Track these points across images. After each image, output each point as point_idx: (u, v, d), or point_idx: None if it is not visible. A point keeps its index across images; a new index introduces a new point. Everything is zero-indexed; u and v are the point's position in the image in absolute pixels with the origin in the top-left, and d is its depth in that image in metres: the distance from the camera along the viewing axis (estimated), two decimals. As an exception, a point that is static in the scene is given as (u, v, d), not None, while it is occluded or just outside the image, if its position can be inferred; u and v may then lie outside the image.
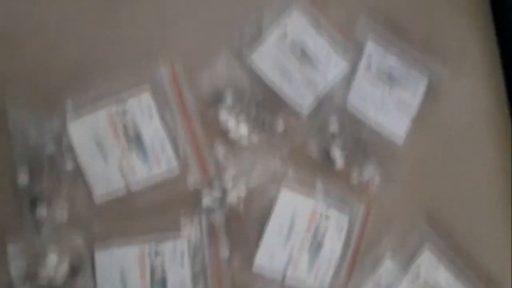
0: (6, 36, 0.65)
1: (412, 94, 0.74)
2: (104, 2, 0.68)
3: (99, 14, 0.67)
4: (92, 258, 0.60)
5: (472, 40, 0.79)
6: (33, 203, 0.59)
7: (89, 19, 0.67)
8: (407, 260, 0.70)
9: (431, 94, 0.75)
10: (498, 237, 0.75)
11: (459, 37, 0.78)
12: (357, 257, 0.68)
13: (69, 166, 0.61)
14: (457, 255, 0.72)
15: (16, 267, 0.57)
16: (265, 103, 0.68)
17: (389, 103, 0.73)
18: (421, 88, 0.74)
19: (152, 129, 0.64)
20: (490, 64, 0.79)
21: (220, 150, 0.66)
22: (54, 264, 0.58)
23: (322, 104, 0.71)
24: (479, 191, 0.76)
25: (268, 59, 0.70)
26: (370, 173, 0.70)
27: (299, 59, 0.70)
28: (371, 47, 0.74)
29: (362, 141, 0.71)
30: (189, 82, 0.66)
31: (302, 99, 0.70)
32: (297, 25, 0.71)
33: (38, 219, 0.59)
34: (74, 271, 0.58)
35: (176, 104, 0.65)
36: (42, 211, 0.59)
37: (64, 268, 0.58)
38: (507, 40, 0.79)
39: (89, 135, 0.62)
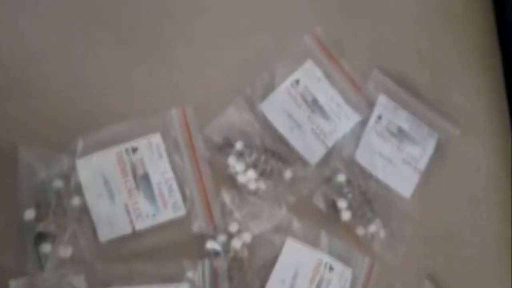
0: (20, 79, 0.66)
1: (421, 151, 0.74)
2: (118, 51, 0.69)
3: (113, 63, 0.69)
4: (94, 298, 0.59)
5: (483, 100, 0.80)
6: (38, 239, 0.59)
7: (103, 66, 0.68)
8: None
9: (440, 152, 0.75)
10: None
11: (471, 97, 0.79)
12: None
13: (75, 203, 0.61)
14: None
15: (18, 303, 0.56)
16: (275, 149, 0.68)
17: (398, 158, 0.73)
18: (431, 145, 0.75)
19: (160, 169, 0.64)
20: (500, 126, 0.80)
21: (227, 195, 0.66)
22: (56, 302, 0.57)
23: (331, 155, 0.71)
24: (483, 253, 0.76)
25: (279, 106, 0.70)
26: (376, 227, 0.70)
27: (310, 108, 0.71)
28: (382, 102, 0.74)
29: (369, 194, 0.71)
30: (200, 126, 0.67)
31: (311, 148, 0.70)
32: (310, 73, 0.72)
33: (42, 255, 0.59)
34: (75, 310, 0.58)
35: (185, 147, 0.65)
36: (46, 247, 0.59)
37: (65, 306, 0.57)
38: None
39: (97, 172, 0.62)
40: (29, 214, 0.59)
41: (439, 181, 0.75)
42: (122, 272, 0.60)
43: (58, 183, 0.61)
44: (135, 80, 0.68)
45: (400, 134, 0.74)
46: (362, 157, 0.72)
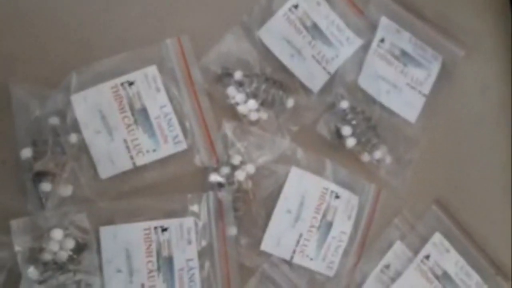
0: (12, 14, 0.63)
1: (425, 74, 0.72)
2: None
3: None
4: (97, 235, 0.58)
5: (488, 20, 0.78)
6: (37, 178, 0.58)
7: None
8: (418, 243, 0.69)
9: (445, 74, 0.74)
10: (507, 224, 0.74)
11: (475, 16, 0.77)
12: (367, 238, 0.68)
13: (73, 139, 0.59)
14: (467, 240, 0.71)
15: (20, 243, 0.55)
16: (275, 78, 0.66)
17: (402, 82, 0.71)
18: (436, 67, 0.73)
19: (158, 103, 0.62)
20: (506, 46, 0.78)
21: (228, 126, 0.64)
22: (59, 239, 0.56)
23: (333, 81, 0.69)
24: (490, 176, 0.75)
25: (278, 32, 0.68)
26: (381, 153, 0.69)
27: (310, 33, 0.69)
28: (384, 24, 0.72)
29: (373, 119, 0.69)
30: (197, 56, 0.64)
31: (313, 75, 0.68)
32: (309, -3, 0.70)
33: (42, 194, 0.58)
34: (79, 248, 0.57)
35: (183, 79, 0.63)
36: (46, 186, 0.57)
37: (69, 243, 0.56)
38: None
39: (94, 108, 0.61)
40: (26, 152, 0.58)
41: (444, 104, 0.74)
42: (124, 208, 0.60)
43: (54, 120, 0.59)
44: (128, 11, 0.65)
45: (404, 57, 0.72)
46: (366, 82, 0.70)
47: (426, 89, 0.72)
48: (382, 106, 0.70)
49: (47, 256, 0.56)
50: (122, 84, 0.62)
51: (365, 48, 0.71)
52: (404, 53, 0.72)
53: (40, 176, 0.58)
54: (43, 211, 0.57)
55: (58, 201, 0.58)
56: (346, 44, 0.70)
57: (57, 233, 0.56)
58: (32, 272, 0.55)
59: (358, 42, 0.70)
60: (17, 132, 0.58)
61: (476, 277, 0.70)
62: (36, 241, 0.56)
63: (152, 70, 0.63)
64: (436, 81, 0.73)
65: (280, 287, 0.62)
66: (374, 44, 0.71)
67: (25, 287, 0.55)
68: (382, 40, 0.71)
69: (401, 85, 0.71)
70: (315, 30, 0.69)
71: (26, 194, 0.58)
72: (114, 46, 0.62)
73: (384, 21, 0.72)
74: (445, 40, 0.74)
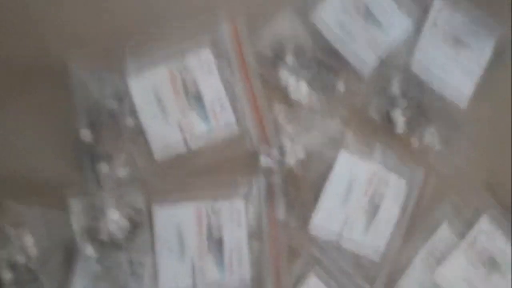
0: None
1: (478, 56, 0.71)
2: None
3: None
4: (151, 214, 0.61)
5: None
6: (95, 159, 0.60)
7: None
8: (464, 227, 0.70)
9: (498, 58, 0.72)
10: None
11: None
12: (414, 222, 0.68)
13: (129, 122, 0.62)
14: None
15: (78, 221, 0.59)
16: (327, 62, 0.67)
17: (454, 65, 0.71)
18: (488, 50, 0.72)
19: (211, 86, 0.64)
20: None
21: (280, 109, 0.65)
22: (115, 219, 0.59)
23: (385, 65, 0.69)
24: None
25: (331, 16, 0.68)
26: (431, 137, 0.69)
27: (363, 17, 0.69)
28: (437, 7, 0.71)
29: (424, 104, 0.70)
30: (250, 40, 0.66)
31: (365, 58, 0.68)
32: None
33: (99, 175, 0.60)
34: (133, 227, 0.60)
35: (236, 62, 0.65)
36: (103, 167, 0.60)
37: (124, 223, 0.59)
38: None
39: (149, 91, 0.63)
40: (85, 134, 0.61)
41: (496, 89, 0.73)
42: (177, 189, 0.63)
43: (112, 103, 0.62)
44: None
45: (457, 41, 0.71)
46: (417, 67, 0.70)
47: (478, 73, 0.72)
48: (433, 91, 0.70)
49: (103, 235, 0.59)
50: (177, 67, 0.63)
51: (418, 32, 0.71)
52: (457, 37, 0.71)
53: (98, 157, 0.60)
54: (100, 191, 0.60)
55: (114, 182, 0.61)
56: (399, 27, 0.70)
57: (113, 213, 0.59)
58: (89, 249, 0.58)
59: (410, 25, 0.70)
60: (77, 113, 0.61)
61: (524, 263, 0.70)
62: (93, 220, 0.59)
63: (207, 53, 0.64)
64: (488, 66, 0.72)
65: (326, 270, 0.64)
66: (427, 27, 0.70)
67: (81, 264, 0.59)
68: (434, 24, 0.70)
69: (453, 70, 0.71)
70: (367, 13, 0.69)
71: (85, 174, 0.60)
72: (170, 30, 0.64)
73: (437, 3, 0.71)
74: (499, 21, 0.73)
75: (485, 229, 0.69)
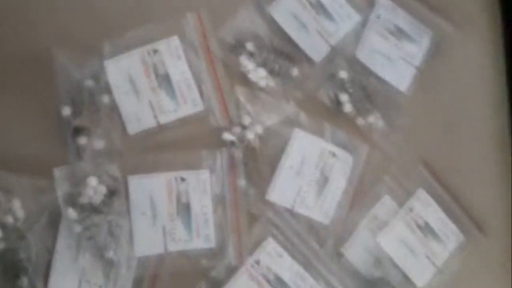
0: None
1: (417, 47, 0.79)
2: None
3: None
4: (126, 183, 0.67)
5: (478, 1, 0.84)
6: (75, 133, 0.66)
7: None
8: (404, 197, 0.76)
9: (435, 47, 0.80)
10: (486, 182, 0.82)
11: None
12: (359, 192, 0.75)
13: (105, 100, 0.68)
14: (448, 196, 0.78)
15: (61, 187, 0.64)
16: (283, 49, 0.73)
17: (396, 55, 0.78)
18: (427, 42, 0.80)
19: (179, 69, 0.70)
20: (494, 23, 0.85)
21: (240, 91, 0.72)
22: (94, 185, 0.65)
23: (334, 53, 0.76)
24: (472, 141, 0.82)
25: (287, 9, 0.75)
26: (374, 117, 0.76)
27: (315, 9, 0.76)
28: (382, 2, 0.79)
29: (369, 88, 0.76)
30: (214, 29, 0.72)
31: (316, 47, 0.75)
32: (313, -23, 0.76)
33: (79, 147, 0.66)
34: (110, 193, 0.66)
35: (201, 48, 0.71)
36: (82, 140, 0.66)
37: (102, 189, 0.65)
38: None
39: (123, 72, 0.69)
40: (66, 110, 0.66)
41: (434, 76, 0.80)
42: (149, 160, 0.68)
43: (90, 83, 0.68)
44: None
45: (398, 32, 0.79)
46: (363, 55, 0.77)
47: (417, 61, 0.79)
48: (376, 77, 0.77)
49: (83, 200, 0.65)
50: (148, 52, 0.70)
51: (364, 23, 0.78)
52: (398, 29, 0.79)
53: (77, 131, 0.66)
54: (81, 161, 0.66)
55: (92, 153, 0.67)
56: (347, 19, 0.77)
57: (92, 180, 0.65)
58: (71, 213, 0.64)
59: (357, 18, 0.77)
60: (58, 92, 0.67)
61: (454, 228, 0.77)
62: (74, 187, 0.65)
63: (175, 40, 0.70)
64: (426, 54, 0.80)
65: (282, 232, 0.70)
66: (372, 20, 0.78)
67: (65, 225, 0.65)
68: (378, 17, 0.78)
69: (395, 58, 0.78)
70: (319, 6, 0.76)
71: (66, 146, 0.66)
72: (142, 18, 0.70)
73: (382, -1, 0.79)
74: (437, 17, 0.81)
75: (422, 199, 0.77)
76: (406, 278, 0.75)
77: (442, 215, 0.77)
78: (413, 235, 0.76)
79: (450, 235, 0.77)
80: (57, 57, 0.67)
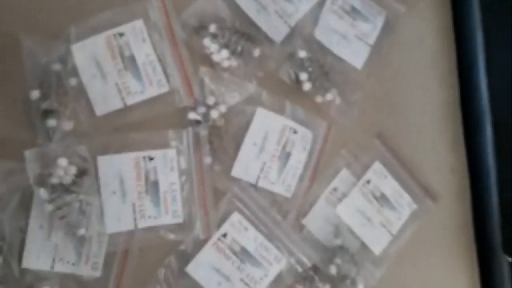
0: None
1: (371, 27, 0.82)
2: None
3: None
4: (95, 163, 0.69)
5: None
6: (44, 115, 0.67)
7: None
8: (361, 170, 0.81)
9: (388, 27, 0.84)
10: (438, 153, 0.87)
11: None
12: (319, 166, 0.78)
13: (73, 82, 0.69)
14: (402, 168, 0.84)
15: (32, 169, 0.66)
16: (245, 31, 0.75)
17: (351, 34, 0.82)
18: (380, 21, 0.83)
19: (144, 51, 0.72)
20: (441, 3, 0.89)
21: (204, 72, 0.74)
22: (64, 166, 0.66)
23: (293, 34, 0.78)
24: (423, 114, 0.87)
25: (247, -9, 0.77)
26: (332, 95, 0.79)
27: (273, -9, 0.78)
28: (337, -17, 0.82)
29: (326, 67, 0.79)
30: (177, 12, 0.74)
31: (276, 28, 0.78)
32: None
33: (49, 129, 0.68)
34: (80, 173, 0.68)
35: (165, 31, 0.73)
36: (52, 122, 0.67)
37: (72, 170, 0.67)
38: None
39: (90, 56, 0.70)
40: (35, 94, 0.68)
41: (387, 53, 0.84)
42: (117, 141, 0.70)
43: (57, 66, 0.69)
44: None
45: (354, 12, 0.82)
46: (320, 34, 0.80)
47: (371, 40, 0.83)
48: (333, 55, 0.80)
49: (54, 180, 0.66)
50: (114, 35, 0.71)
51: (321, 4, 0.80)
52: (353, 9, 0.82)
53: (46, 113, 0.68)
54: (50, 143, 0.68)
55: (62, 135, 0.68)
56: (305, 0, 0.80)
57: (62, 161, 0.67)
58: (42, 193, 0.66)
59: (315, -1, 0.80)
60: (27, 76, 0.68)
61: (408, 198, 0.82)
62: (45, 168, 0.66)
63: (139, 23, 0.72)
64: (380, 33, 0.83)
65: (247, 206, 0.74)
66: (329, 1, 0.81)
67: (37, 205, 0.67)
68: (335, -3, 0.82)
69: (350, 37, 0.82)
70: (278, -12, 0.79)
71: (35, 128, 0.68)
72: (108, 2, 0.72)
73: (337, -19, 0.82)
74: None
75: (378, 171, 0.82)
76: (363, 245, 0.80)
77: (396, 186, 0.82)
78: (370, 205, 0.81)
79: (404, 204, 0.82)
80: (24, 42, 0.68)
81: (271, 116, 0.77)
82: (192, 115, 0.73)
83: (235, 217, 0.74)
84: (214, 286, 0.72)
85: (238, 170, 0.75)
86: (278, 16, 0.78)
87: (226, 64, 0.75)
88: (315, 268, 0.76)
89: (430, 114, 0.88)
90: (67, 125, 0.69)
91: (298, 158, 0.77)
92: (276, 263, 0.74)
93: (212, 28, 0.74)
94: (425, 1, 0.88)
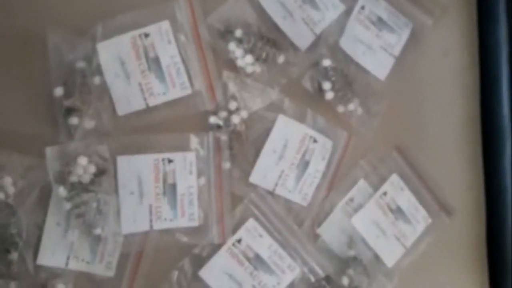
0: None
1: (397, 38, 0.82)
2: None
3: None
4: (115, 162, 0.69)
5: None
6: (67, 113, 0.67)
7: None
8: (378, 182, 0.81)
9: (414, 39, 0.83)
10: (456, 169, 0.87)
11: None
12: (337, 176, 0.78)
13: (97, 81, 0.69)
14: (419, 181, 0.83)
15: (52, 166, 0.66)
16: (270, 37, 0.75)
17: (376, 45, 0.81)
18: (406, 33, 0.82)
19: (169, 53, 0.71)
20: (469, 16, 0.89)
21: (228, 76, 0.74)
22: (84, 165, 0.67)
23: (318, 42, 0.78)
24: (444, 129, 0.86)
25: (275, -3, 0.77)
26: (354, 105, 0.79)
27: (301, -2, 0.78)
28: (366, -7, 0.82)
29: (350, 77, 0.79)
30: (204, 15, 0.73)
31: (301, 36, 0.77)
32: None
33: (70, 126, 0.68)
34: (99, 172, 0.68)
35: (191, 34, 0.72)
36: (74, 120, 0.67)
37: (92, 169, 0.67)
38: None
39: (115, 55, 0.70)
40: (59, 91, 0.67)
41: (411, 65, 0.83)
42: (138, 141, 0.70)
43: (82, 64, 0.69)
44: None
45: (380, 23, 0.81)
46: (346, 44, 0.79)
47: (396, 51, 0.82)
48: (357, 65, 0.80)
49: (73, 178, 0.66)
50: (139, 35, 0.71)
51: (348, 13, 0.80)
52: (380, 20, 0.81)
53: (69, 111, 0.68)
54: (72, 141, 0.68)
55: (83, 133, 0.68)
56: (332, 9, 0.79)
57: (82, 160, 0.67)
58: (61, 190, 0.66)
59: (341, 7, 0.79)
60: (51, 73, 0.68)
61: (423, 212, 0.82)
62: (65, 166, 0.66)
63: (165, 24, 0.72)
64: (405, 45, 0.83)
65: (263, 213, 0.74)
66: (356, 10, 0.80)
67: (54, 203, 0.67)
68: (362, 7, 0.80)
69: (375, 47, 0.81)
70: (305, -5, 0.78)
71: (57, 126, 0.68)
72: (136, 2, 0.71)
73: (366, -9, 0.81)
74: (416, 10, 0.83)
75: (395, 184, 0.82)
76: (376, 257, 0.80)
77: (412, 199, 0.82)
78: (385, 218, 0.80)
79: (419, 218, 0.82)
80: (51, 38, 0.68)
81: (292, 124, 0.76)
82: (213, 119, 0.73)
83: (251, 223, 0.74)
84: (226, 291, 0.72)
85: (256, 177, 0.74)
86: (304, 24, 0.78)
87: (250, 69, 0.74)
88: (327, 279, 0.76)
89: (450, 129, 0.87)
90: (89, 124, 0.69)
91: (317, 167, 0.77)
92: (289, 271, 0.74)
93: (238, 33, 0.74)
94: (451, 14, 0.87)
